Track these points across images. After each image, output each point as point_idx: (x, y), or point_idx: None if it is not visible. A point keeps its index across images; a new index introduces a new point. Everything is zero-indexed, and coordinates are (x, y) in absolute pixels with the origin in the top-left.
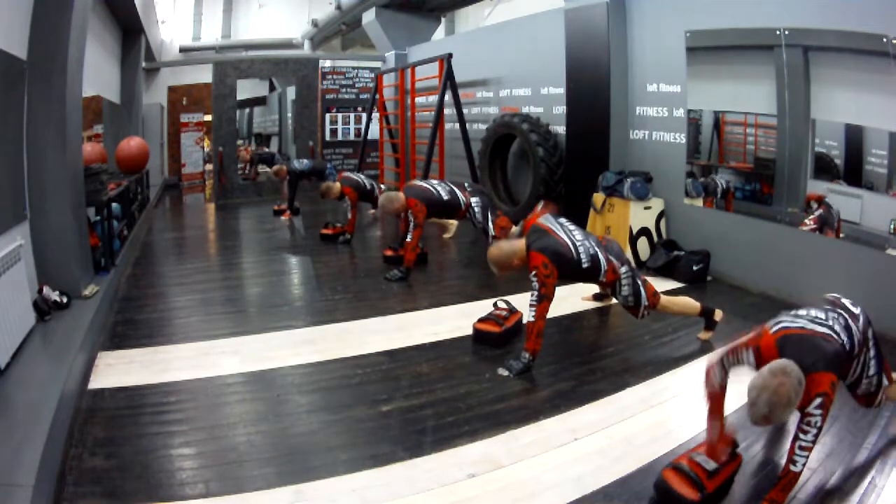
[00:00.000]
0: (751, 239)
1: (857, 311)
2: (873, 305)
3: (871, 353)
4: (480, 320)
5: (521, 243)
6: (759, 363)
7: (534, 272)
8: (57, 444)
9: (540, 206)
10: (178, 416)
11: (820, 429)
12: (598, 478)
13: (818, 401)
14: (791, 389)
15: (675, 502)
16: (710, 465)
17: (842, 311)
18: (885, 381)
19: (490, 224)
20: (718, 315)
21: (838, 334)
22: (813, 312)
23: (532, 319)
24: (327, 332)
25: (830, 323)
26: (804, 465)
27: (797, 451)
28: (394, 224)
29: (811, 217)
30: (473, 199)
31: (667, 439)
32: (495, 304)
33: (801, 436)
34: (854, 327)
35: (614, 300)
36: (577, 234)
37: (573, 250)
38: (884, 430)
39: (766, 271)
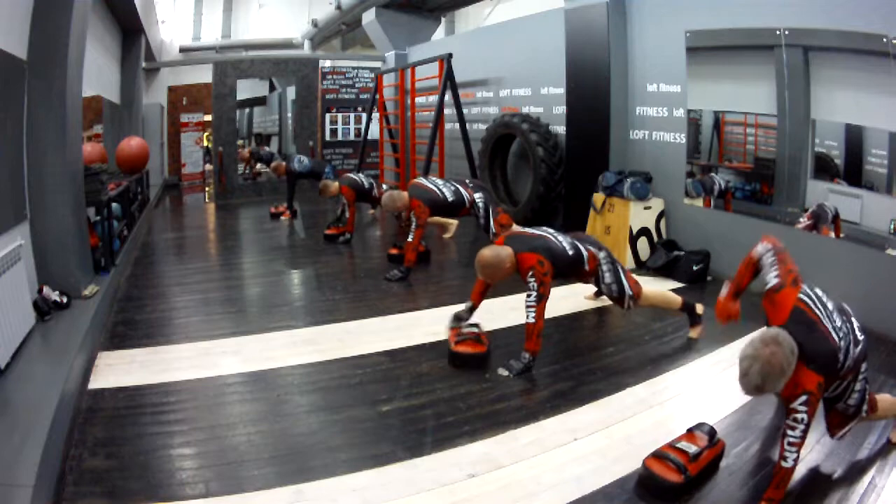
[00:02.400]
0: (751, 239)
1: (861, 337)
2: (873, 305)
3: (858, 385)
4: (458, 343)
5: (508, 249)
6: (768, 297)
7: (530, 272)
8: (57, 444)
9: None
10: (178, 416)
11: (807, 425)
12: (598, 478)
13: (803, 398)
14: (783, 359)
15: (659, 488)
16: (692, 448)
17: (850, 333)
18: (863, 413)
19: (492, 221)
20: (700, 308)
21: (839, 347)
22: (835, 314)
23: (532, 321)
24: (327, 332)
25: (840, 335)
26: (795, 460)
27: (786, 448)
28: (394, 224)
29: (806, 214)
30: (477, 196)
31: (667, 439)
32: (460, 327)
33: (789, 432)
34: (852, 353)
35: None
36: (548, 230)
37: (555, 240)
38: (884, 430)
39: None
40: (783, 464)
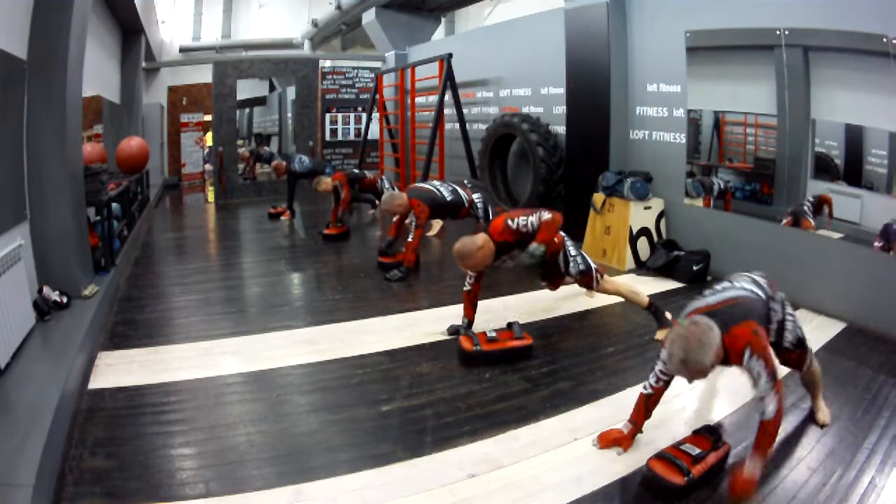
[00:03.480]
0: (751, 239)
1: (764, 283)
2: (873, 305)
3: (788, 325)
4: (490, 342)
5: (480, 234)
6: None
7: (502, 230)
8: (57, 444)
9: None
10: (178, 416)
11: (768, 373)
12: (598, 478)
13: (747, 352)
14: (701, 332)
15: (662, 489)
16: (695, 450)
17: (746, 276)
18: (810, 360)
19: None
20: (668, 315)
21: (746, 289)
22: (718, 286)
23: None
24: (327, 332)
25: (737, 285)
26: (773, 411)
27: (759, 403)
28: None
29: (785, 221)
30: (475, 195)
31: (666, 439)
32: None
33: (754, 389)
34: (762, 282)
35: (612, 299)
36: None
37: (516, 222)
38: (884, 430)
39: (766, 271)
40: (761, 417)
